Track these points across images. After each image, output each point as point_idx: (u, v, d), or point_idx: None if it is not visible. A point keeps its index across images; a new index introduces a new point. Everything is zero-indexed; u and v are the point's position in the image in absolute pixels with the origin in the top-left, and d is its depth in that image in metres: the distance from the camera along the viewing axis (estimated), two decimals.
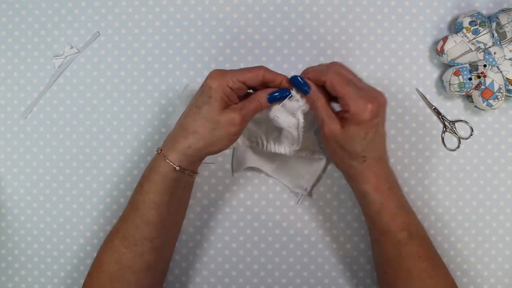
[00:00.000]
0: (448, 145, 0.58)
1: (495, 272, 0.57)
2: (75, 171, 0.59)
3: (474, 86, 0.54)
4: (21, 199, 0.60)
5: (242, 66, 0.58)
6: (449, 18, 0.57)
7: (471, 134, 0.57)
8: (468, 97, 0.56)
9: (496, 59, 0.54)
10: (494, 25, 0.54)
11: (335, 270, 0.58)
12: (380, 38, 0.58)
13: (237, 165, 0.57)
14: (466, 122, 0.57)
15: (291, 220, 0.58)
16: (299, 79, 0.47)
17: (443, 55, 0.54)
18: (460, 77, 0.53)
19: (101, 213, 0.59)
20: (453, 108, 0.58)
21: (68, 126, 0.59)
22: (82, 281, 0.50)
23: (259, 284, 0.58)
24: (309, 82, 0.47)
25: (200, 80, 0.57)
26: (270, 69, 0.47)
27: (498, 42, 0.54)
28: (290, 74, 0.57)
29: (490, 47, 0.54)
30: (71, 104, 0.59)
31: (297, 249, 0.58)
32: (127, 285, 0.48)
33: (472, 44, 0.53)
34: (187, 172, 0.47)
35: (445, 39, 0.54)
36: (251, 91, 0.49)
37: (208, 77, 0.46)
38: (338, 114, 0.47)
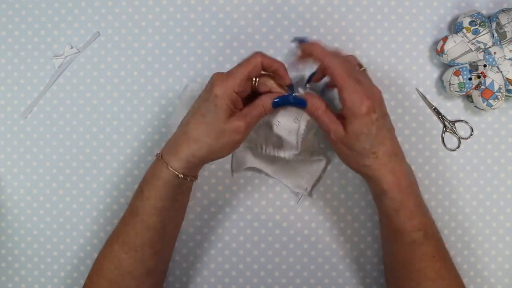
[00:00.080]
0: (448, 145, 0.58)
1: (495, 272, 0.57)
2: (75, 171, 0.59)
3: (474, 86, 0.54)
4: (21, 199, 0.60)
5: None
6: (449, 18, 0.57)
7: (471, 134, 0.57)
8: (468, 97, 0.56)
9: (496, 59, 0.54)
10: (494, 25, 0.54)
11: (335, 270, 0.58)
12: (380, 38, 0.58)
13: (237, 166, 0.57)
14: (466, 122, 0.57)
15: (291, 220, 0.58)
16: (291, 99, 0.48)
17: (443, 55, 0.54)
18: (460, 77, 0.53)
19: (101, 213, 0.59)
20: (453, 108, 0.58)
21: (68, 126, 0.59)
22: (82, 281, 0.50)
23: (259, 284, 0.58)
24: (302, 96, 0.48)
25: (200, 81, 0.57)
26: (266, 54, 0.47)
27: (498, 42, 0.54)
28: (290, 74, 0.57)
29: (490, 47, 0.54)
30: (71, 104, 0.59)
31: (297, 249, 0.58)
32: None
33: (472, 44, 0.53)
34: (189, 178, 0.47)
35: (445, 39, 0.54)
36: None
37: (212, 84, 0.45)
38: (338, 114, 0.47)
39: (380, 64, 0.58)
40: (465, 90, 0.54)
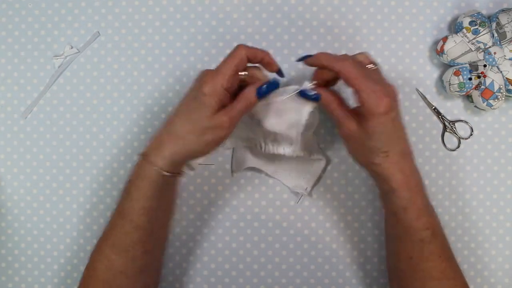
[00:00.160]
0: (448, 145, 0.58)
1: (495, 272, 0.57)
2: (75, 171, 0.59)
3: (474, 86, 0.54)
4: (21, 199, 0.60)
5: None
6: (449, 18, 0.57)
7: (471, 134, 0.57)
8: (468, 97, 0.56)
9: (496, 59, 0.54)
10: (494, 25, 0.54)
11: (335, 270, 0.58)
12: (380, 38, 0.58)
13: (236, 166, 0.57)
14: (466, 122, 0.57)
15: (291, 220, 0.58)
16: (307, 93, 0.47)
17: (443, 55, 0.54)
18: (460, 77, 0.53)
19: (101, 213, 0.59)
20: (453, 108, 0.58)
21: (68, 126, 0.59)
22: None
23: (259, 284, 0.58)
24: (317, 90, 0.47)
25: None
26: (249, 45, 0.46)
27: (498, 42, 0.54)
28: (290, 74, 0.58)
29: (490, 47, 0.54)
30: (71, 104, 0.59)
31: (297, 249, 0.58)
32: None
33: (472, 44, 0.53)
34: (174, 175, 0.47)
35: (445, 39, 0.54)
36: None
37: (201, 82, 0.45)
38: (353, 110, 0.47)
39: (380, 64, 0.57)
40: (465, 90, 0.54)
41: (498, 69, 0.54)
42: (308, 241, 0.58)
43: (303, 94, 0.48)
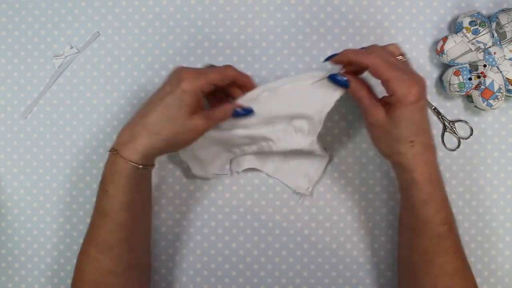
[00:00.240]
0: (448, 145, 0.58)
1: (495, 272, 0.57)
2: (75, 171, 0.59)
3: (474, 86, 0.54)
4: (21, 199, 0.60)
5: (242, 66, 0.58)
6: (449, 18, 0.57)
7: (471, 134, 0.57)
8: (468, 97, 0.56)
9: (496, 59, 0.54)
10: (494, 25, 0.54)
11: (335, 270, 0.58)
12: (380, 38, 0.58)
13: (236, 166, 0.57)
14: (466, 122, 0.57)
15: (291, 220, 0.58)
16: (338, 77, 0.47)
17: (443, 55, 0.54)
18: (460, 77, 0.53)
19: None
20: (453, 108, 0.58)
21: (68, 126, 0.59)
22: None
23: (259, 284, 0.58)
24: (347, 76, 0.47)
25: None
26: (238, 69, 0.49)
27: (498, 42, 0.54)
28: (289, 74, 0.58)
29: (490, 47, 0.54)
30: (71, 104, 0.59)
31: (297, 249, 0.58)
32: (113, 287, 0.48)
33: (472, 44, 0.53)
34: (148, 168, 0.47)
35: (445, 39, 0.54)
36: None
37: (181, 78, 0.45)
38: (381, 100, 0.47)
39: None
40: (465, 90, 0.54)
41: (498, 69, 0.54)
42: (308, 241, 0.58)
43: (332, 79, 0.48)
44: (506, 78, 0.54)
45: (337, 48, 0.58)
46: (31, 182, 0.59)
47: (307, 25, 0.58)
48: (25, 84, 0.59)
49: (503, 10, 0.54)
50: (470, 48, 0.53)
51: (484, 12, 0.55)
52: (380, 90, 0.47)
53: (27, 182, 0.59)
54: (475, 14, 0.54)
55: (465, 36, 0.53)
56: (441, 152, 0.57)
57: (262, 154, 0.56)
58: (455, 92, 0.54)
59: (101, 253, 0.47)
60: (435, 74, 0.58)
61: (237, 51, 0.58)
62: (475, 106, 0.55)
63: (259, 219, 0.58)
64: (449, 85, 0.54)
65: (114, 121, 0.59)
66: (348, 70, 0.48)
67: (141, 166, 0.46)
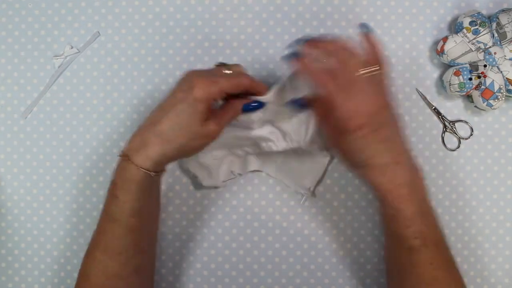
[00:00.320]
0: (448, 145, 0.58)
1: (495, 272, 0.57)
2: (75, 171, 0.59)
3: (474, 86, 0.54)
4: (21, 199, 0.60)
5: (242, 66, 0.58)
6: (449, 18, 0.57)
7: (471, 134, 0.57)
8: (468, 97, 0.56)
9: (496, 59, 0.54)
10: (494, 25, 0.54)
11: (335, 270, 0.58)
12: (380, 38, 0.58)
13: (240, 169, 0.57)
14: (466, 122, 0.57)
15: (291, 220, 0.58)
16: (294, 104, 0.48)
17: (443, 55, 0.54)
18: (460, 77, 0.53)
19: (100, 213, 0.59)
20: (453, 108, 0.58)
21: (68, 126, 0.59)
22: None
23: (259, 284, 0.58)
24: (304, 100, 0.48)
25: None
26: (249, 75, 0.47)
27: (498, 42, 0.54)
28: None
29: (490, 47, 0.54)
30: (71, 104, 0.59)
31: (297, 249, 0.58)
32: None
33: (472, 44, 0.53)
34: (158, 174, 0.47)
35: (445, 39, 0.54)
36: None
37: (193, 85, 0.44)
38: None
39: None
40: (465, 90, 0.53)
41: (498, 69, 0.54)
42: (308, 241, 0.58)
43: (291, 104, 0.48)
44: (506, 78, 0.54)
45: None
46: (31, 182, 0.59)
47: (307, 25, 0.58)
48: (25, 84, 0.59)
49: (503, 10, 0.54)
50: (471, 48, 0.53)
51: (484, 12, 0.55)
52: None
53: (27, 182, 0.59)
54: (475, 14, 0.54)
55: (466, 36, 0.53)
56: (441, 152, 0.57)
57: (264, 155, 0.56)
58: (455, 92, 0.54)
59: (109, 257, 0.47)
60: (435, 74, 0.58)
61: (237, 51, 0.58)
62: (475, 106, 0.55)
63: (259, 219, 0.58)
64: (449, 85, 0.54)
65: (114, 121, 0.59)
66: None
67: (153, 173, 0.45)
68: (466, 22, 0.53)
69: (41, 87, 0.59)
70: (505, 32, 0.53)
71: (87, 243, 0.59)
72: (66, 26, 0.59)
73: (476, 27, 0.53)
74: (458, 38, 0.53)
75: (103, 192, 0.59)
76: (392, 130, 0.45)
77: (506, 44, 0.54)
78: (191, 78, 0.45)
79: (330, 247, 0.58)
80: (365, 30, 0.47)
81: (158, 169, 0.46)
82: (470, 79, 0.53)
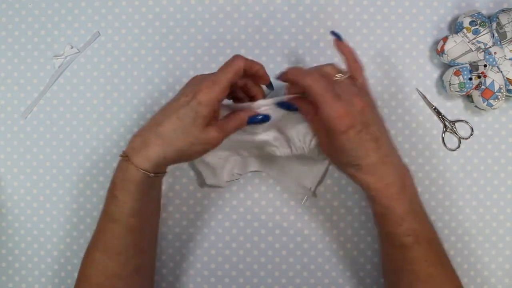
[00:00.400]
0: (448, 145, 0.57)
1: (495, 272, 0.57)
2: (75, 171, 0.59)
3: (474, 86, 0.54)
4: (21, 199, 0.60)
5: None
6: (449, 18, 0.57)
7: (471, 134, 0.57)
8: (469, 97, 0.56)
9: (497, 59, 0.54)
10: (494, 25, 0.54)
11: (335, 270, 0.58)
12: (380, 38, 0.58)
13: (241, 169, 0.57)
14: (466, 122, 0.57)
15: (291, 220, 0.58)
16: (283, 104, 0.48)
17: (443, 55, 0.54)
18: (461, 77, 0.53)
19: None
20: (453, 108, 0.58)
21: (68, 126, 0.59)
22: None
23: (259, 284, 0.58)
24: (295, 100, 0.48)
25: None
26: (245, 57, 0.46)
27: (499, 42, 0.54)
28: None
29: (490, 47, 0.54)
30: (71, 104, 0.59)
31: (297, 249, 0.58)
32: None
33: (473, 44, 0.53)
34: (159, 175, 0.47)
35: (445, 39, 0.54)
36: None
37: (197, 90, 0.44)
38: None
39: (380, 64, 0.58)
40: (465, 90, 0.53)
41: (499, 69, 0.54)
42: (308, 241, 0.58)
43: (282, 106, 0.48)
44: (506, 78, 0.54)
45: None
46: (31, 182, 0.59)
47: (307, 25, 0.58)
48: (25, 84, 0.59)
49: (503, 10, 0.54)
50: (471, 48, 0.53)
51: (484, 12, 0.55)
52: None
53: (27, 182, 0.59)
54: (476, 14, 0.54)
55: (466, 36, 0.53)
56: (441, 152, 0.57)
57: (264, 157, 0.56)
58: (456, 92, 0.54)
59: (109, 257, 0.47)
60: (435, 74, 0.58)
61: (237, 51, 0.58)
62: (476, 106, 0.55)
63: (259, 219, 0.58)
64: (450, 85, 0.54)
65: (114, 121, 0.59)
66: (291, 92, 0.49)
67: (152, 174, 0.45)
68: (466, 22, 0.53)
69: (41, 87, 0.59)
70: (505, 32, 0.53)
71: (87, 243, 0.59)
72: (66, 26, 0.59)
73: (476, 27, 0.53)
74: (458, 38, 0.53)
75: (103, 192, 0.59)
76: (379, 130, 0.46)
77: (506, 44, 0.54)
78: (196, 82, 0.46)
79: (330, 247, 0.58)
80: (335, 37, 0.49)
81: (158, 170, 0.46)
82: (470, 79, 0.53)
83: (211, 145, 0.46)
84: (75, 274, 0.59)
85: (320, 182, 0.57)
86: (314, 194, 0.57)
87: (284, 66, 0.58)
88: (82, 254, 0.59)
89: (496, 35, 0.54)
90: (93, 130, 0.59)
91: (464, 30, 0.53)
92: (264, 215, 0.58)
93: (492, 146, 0.57)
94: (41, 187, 0.59)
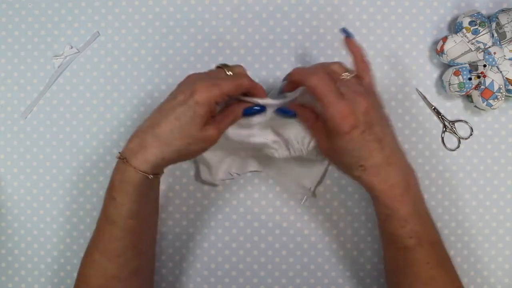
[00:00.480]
0: (448, 145, 0.58)
1: (495, 272, 0.57)
2: (75, 171, 0.59)
3: (474, 86, 0.54)
4: (21, 199, 0.60)
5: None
6: (449, 18, 0.58)
7: (471, 134, 0.57)
8: (468, 97, 0.56)
9: (496, 59, 0.54)
10: (494, 25, 0.54)
11: (335, 270, 0.58)
12: (380, 38, 0.58)
13: (239, 169, 0.57)
14: (466, 122, 0.57)
15: (291, 220, 0.58)
16: (282, 110, 0.48)
17: (443, 55, 0.54)
18: (460, 77, 0.53)
19: None
20: (453, 108, 0.58)
21: (68, 126, 0.59)
22: None
23: (259, 284, 0.58)
24: (292, 106, 0.48)
25: None
26: (250, 77, 0.47)
27: (498, 42, 0.54)
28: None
29: (490, 47, 0.54)
30: (71, 104, 0.59)
31: (297, 249, 0.58)
32: None
33: (472, 44, 0.53)
34: (158, 176, 0.47)
35: (445, 39, 0.54)
36: None
37: (194, 89, 0.44)
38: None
39: (380, 64, 0.58)
40: (465, 90, 0.54)
41: (498, 69, 0.54)
42: (308, 241, 0.58)
43: (280, 112, 0.49)
44: (506, 78, 0.54)
45: (336, 48, 0.58)
46: (31, 182, 0.59)
47: (307, 25, 0.58)
48: (25, 84, 0.59)
49: (503, 10, 0.54)
50: (470, 48, 0.53)
51: (484, 12, 0.55)
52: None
53: (27, 182, 0.59)
54: (475, 14, 0.54)
55: (465, 36, 0.53)
56: (441, 152, 0.58)
57: (264, 157, 0.56)
58: (455, 92, 0.54)
59: (108, 259, 0.46)
60: (435, 74, 0.58)
61: (237, 51, 0.58)
62: (475, 106, 0.55)
63: (259, 219, 0.58)
64: (449, 85, 0.54)
65: (114, 121, 0.59)
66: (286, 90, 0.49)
67: (151, 176, 0.45)
68: (465, 22, 0.54)
69: (41, 87, 0.59)
70: (504, 32, 0.53)
71: (87, 243, 0.59)
72: (66, 26, 0.59)
73: (476, 27, 0.53)
74: (457, 38, 0.53)
75: (103, 192, 0.58)
76: (382, 130, 0.45)
77: (506, 44, 0.54)
78: (192, 81, 0.45)
79: (329, 247, 0.58)
80: (346, 35, 0.48)
81: (156, 171, 0.46)
82: (470, 79, 0.53)
83: (209, 143, 0.46)
84: (75, 274, 0.59)
85: (319, 182, 0.57)
86: (313, 194, 0.57)
87: (284, 66, 0.58)
88: (81, 254, 0.59)
89: (495, 35, 0.54)
90: (93, 130, 0.59)
91: (464, 30, 0.53)
92: (264, 215, 0.58)
93: (491, 146, 0.57)
94: (41, 187, 0.59)
